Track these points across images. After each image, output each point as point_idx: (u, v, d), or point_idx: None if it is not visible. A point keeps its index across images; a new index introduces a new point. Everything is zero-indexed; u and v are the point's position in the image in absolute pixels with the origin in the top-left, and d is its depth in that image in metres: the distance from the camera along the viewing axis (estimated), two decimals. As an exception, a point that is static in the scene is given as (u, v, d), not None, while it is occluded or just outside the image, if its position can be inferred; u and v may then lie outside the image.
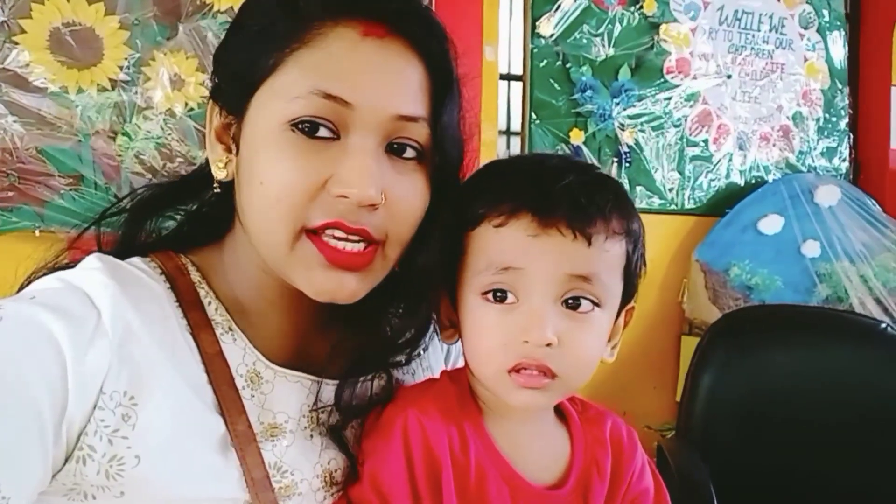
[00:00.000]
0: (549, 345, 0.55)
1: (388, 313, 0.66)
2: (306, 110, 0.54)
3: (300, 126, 0.54)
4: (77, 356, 0.51)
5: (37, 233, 1.50)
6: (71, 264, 0.59)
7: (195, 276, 0.62)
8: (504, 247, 0.56)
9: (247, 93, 0.57)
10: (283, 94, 0.55)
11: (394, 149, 0.57)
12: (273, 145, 0.55)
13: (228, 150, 0.60)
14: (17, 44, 1.48)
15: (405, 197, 0.57)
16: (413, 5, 0.58)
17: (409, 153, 0.58)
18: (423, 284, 0.63)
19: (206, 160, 0.62)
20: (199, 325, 0.58)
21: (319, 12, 0.55)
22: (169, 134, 1.60)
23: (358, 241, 0.56)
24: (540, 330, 0.55)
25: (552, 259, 0.56)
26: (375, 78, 0.55)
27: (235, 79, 0.58)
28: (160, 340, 0.55)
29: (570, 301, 0.57)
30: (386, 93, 0.55)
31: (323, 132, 0.55)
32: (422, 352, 0.69)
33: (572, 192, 0.56)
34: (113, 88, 1.56)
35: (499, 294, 0.57)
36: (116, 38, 1.55)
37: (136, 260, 0.61)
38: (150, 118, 1.59)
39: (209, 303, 0.61)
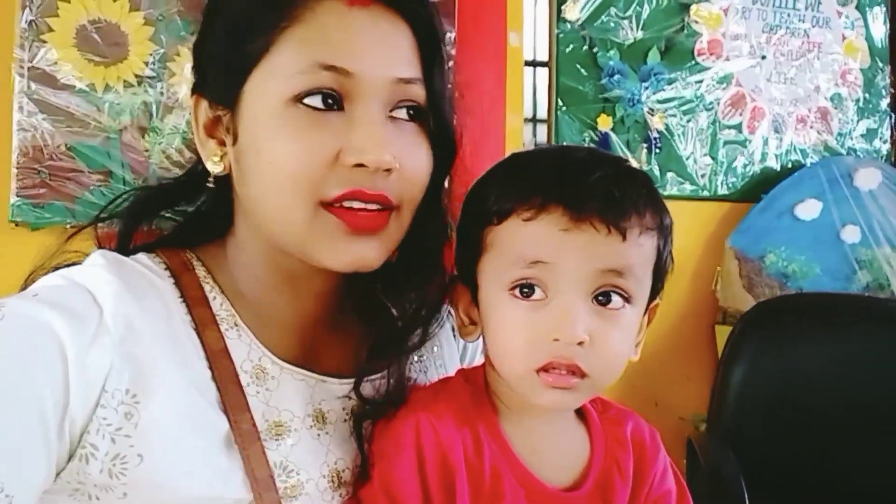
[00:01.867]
0: (580, 343, 0.54)
1: (401, 303, 0.65)
2: (309, 83, 0.55)
3: (304, 100, 0.55)
4: (79, 354, 0.51)
5: (68, 228, 1.52)
6: (76, 261, 0.59)
7: (200, 271, 0.62)
8: (534, 241, 0.55)
9: (239, 80, 0.57)
10: (280, 73, 0.55)
11: (395, 112, 0.59)
12: (278, 125, 0.55)
13: (222, 144, 0.60)
14: (44, 42, 1.51)
15: (413, 159, 0.59)
16: None
17: (409, 114, 0.59)
18: (432, 257, 0.63)
19: (197, 160, 0.62)
20: (204, 322, 0.58)
21: None
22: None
23: (376, 205, 0.57)
24: (571, 328, 0.54)
25: (584, 254, 0.54)
26: (370, 45, 0.56)
27: (224, 68, 0.58)
28: (163, 337, 0.55)
29: (601, 297, 0.56)
30: (383, 58, 0.57)
31: (328, 104, 0.56)
32: (435, 348, 0.69)
33: (605, 186, 0.55)
34: (139, 84, 1.57)
35: (526, 289, 0.56)
36: (141, 33, 1.57)
37: (141, 256, 0.61)
38: (176, 113, 1.61)
39: (214, 298, 0.60)
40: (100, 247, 0.63)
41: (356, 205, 0.56)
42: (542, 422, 0.61)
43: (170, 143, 1.60)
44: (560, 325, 0.54)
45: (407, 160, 0.58)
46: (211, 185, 0.62)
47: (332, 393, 0.62)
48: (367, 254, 0.57)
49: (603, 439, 0.62)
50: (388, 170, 0.56)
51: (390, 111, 0.58)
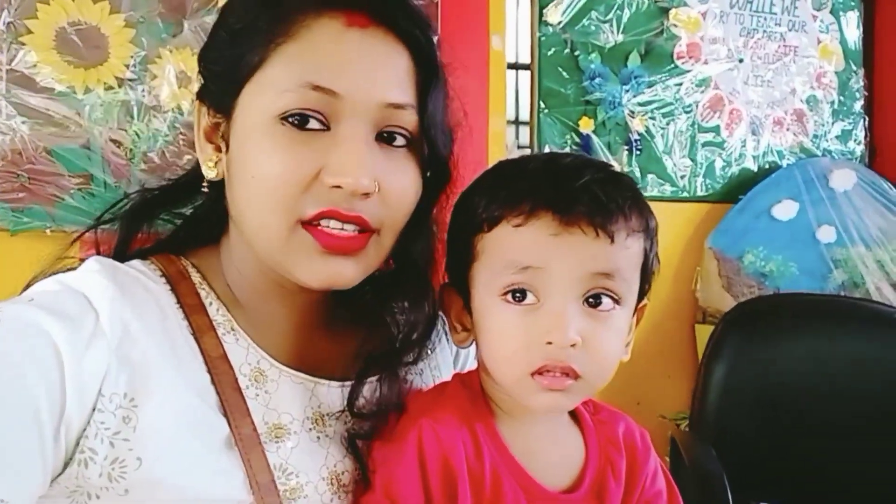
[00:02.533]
0: (573, 345, 0.55)
1: (392, 311, 0.66)
2: (295, 103, 0.55)
3: (290, 119, 0.55)
4: (75, 358, 0.51)
5: (48, 232, 1.51)
6: (72, 267, 0.59)
7: (196, 277, 0.62)
8: (524, 246, 0.56)
9: (234, 90, 0.57)
10: (271, 89, 0.55)
11: (384, 137, 0.58)
12: (264, 139, 0.55)
13: (218, 150, 0.60)
14: (23, 44, 1.48)
15: (397, 184, 0.58)
16: None
17: (399, 141, 0.59)
18: (423, 277, 0.63)
19: (197, 162, 0.62)
20: (202, 329, 0.58)
21: (302, 5, 0.56)
22: (177, 131, 1.60)
23: (353, 227, 0.56)
24: (564, 331, 0.55)
25: (574, 258, 0.55)
26: (362, 67, 0.56)
27: (222, 77, 0.59)
28: (159, 342, 0.55)
29: (592, 299, 0.57)
30: (373, 81, 0.56)
31: (313, 124, 0.55)
32: (429, 352, 0.69)
33: (592, 190, 0.56)
34: (120, 87, 1.55)
35: (518, 294, 0.57)
36: (122, 36, 1.55)
37: (135, 262, 0.61)
38: (157, 116, 1.59)
39: (210, 304, 0.61)
40: (98, 252, 0.63)
41: (332, 224, 0.56)
42: (538, 424, 0.61)
43: (151, 146, 1.58)
44: (552, 329, 0.55)
45: (391, 185, 0.57)
46: (205, 190, 0.62)
47: (330, 395, 0.62)
48: (342, 273, 0.57)
49: (597, 441, 0.63)
50: (366, 193, 0.55)
51: (381, 134, 0.58)
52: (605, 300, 0.57)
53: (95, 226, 0.65)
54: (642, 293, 0.62)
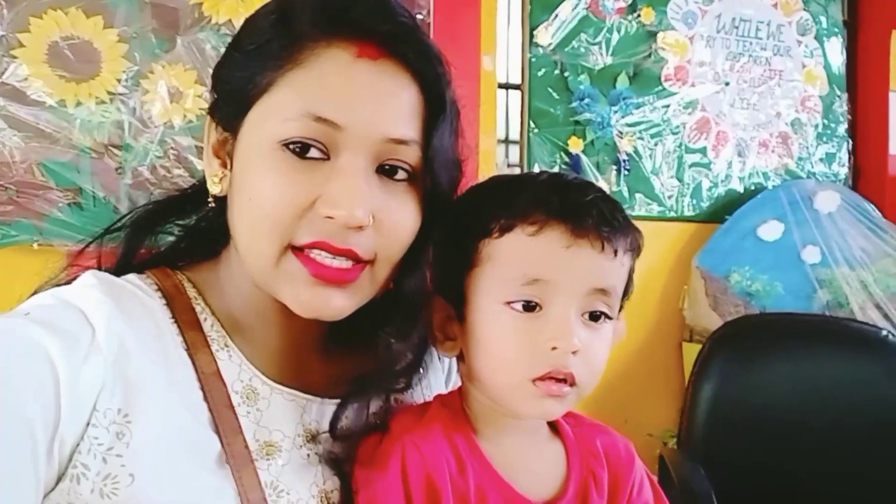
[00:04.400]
0: (574, 352, 0.56)
1: (385, 334, 0.65)
2: (297, 132, 0.54)
3: (291, 146, 0.55)
4: (71, 373, 0.50)
5: (35, 246, 1.50)
6: (68, 281, 0.59)
7: (191, 292, 0.62)
8: (538, 256, 0.56)
9: (241, 110, 0.57)
10: (275, 114, 0.55)
11: (385, 170, 0.57)
12: (264, 163, 0.55)
13: (224, 166, 0.60)
14: (15, 58, 1.49)
15: (395, 218, 0.57)
16: (407, 27, 0.58)
17: (401, 175, 0.58)
18: (415, 307, 0.62)
19: (204, 175, 0.63)
20: (196, 345, 0.58)
21: (314, 32, 0.55)
22: (168, 146, 1.60)
23: (345, 259, 0.56)
24: (569, 337, 0.56)
25: (581, 271, 0.57)
26: (367, 100, 0.55)
27: (231, 96, 0.58)
28: (155, 358, 0.55)
29: (589, 314, 0.58)
30: (377, 115, 0.55)
31: (314, 153, 0.55)
32: (421, 371, 0.69)
33: (599, 205, 0.58)
34: (111, 101, 1.56)
35: (528, 304, 0.57)
36: (115, 51, 1.56)
37: (132, 277, 0.61)
38: (148, 131, 1.59)
39: (205, 319, 0.60)
40: (99, 266, 0.62)
41: (323, 255, 0.55)
42: (520, 438, 0.62)
43: (141, 160, 1.58)
44: (558, 334, 0.56)
45: (388, 218, 0.57)
46: (211, 203, 0.62)
47: (322, 413, 0.62)
48: (330, 303, 0.57)
49: (578, 452, 0.63)
50: (360, 226, 0.55)
51: (382, 167, 0.57)
52: (601, 317, 0.59)
53: (101, 237, 0.64)
54: (619, 309, 0.63)
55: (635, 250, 0.61)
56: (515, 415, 0.60)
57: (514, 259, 0.57)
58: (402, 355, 0.64)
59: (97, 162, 1.56)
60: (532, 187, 0.60)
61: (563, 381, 0.57)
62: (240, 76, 0.58)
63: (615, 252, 0.57)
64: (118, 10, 1.55)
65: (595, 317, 0.58)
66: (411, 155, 0.57)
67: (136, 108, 1.57)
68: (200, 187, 0.64)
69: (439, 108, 0.58)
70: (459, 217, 0.61)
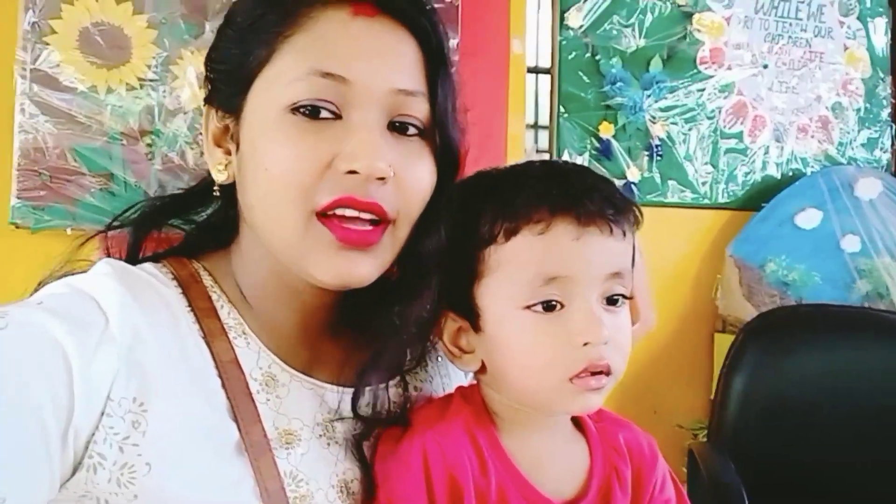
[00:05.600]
0: (606, 343, 0.56)
1: (391, 317, 0.64)
2: (306, 93, 0.55)
3: (301, 109, 0.55)
4: (83, 362, 0.50)
5: (69, 231, 1.52)
6: (82, 270, 0.59)
7: (207, 280, 0.61)
8: (550, 254, 0.56)
9: (243, 87, 0.57)
10: (280, 81, 0.55)
11: (395, 127, 0.58)
12: (275, 132, 0.55)
13: (227, 153, 0.60)
14: (47, 44, 1.51)
15: (412, 172, 0.58)
16: None
17: (412, 130, 0.58)
18: (428, 273, 0.61)
19: (207, 173, 0.62)
20: (214, 333, 0.58)
21: None
22: (197, 132, 1.61)
23: (367, 221, 0.56)
24: (598, 329, 0.55)
25: (595, 259, 0.56)
26: (370, 54, 0.56)
27: (230, 76, 0.58)
28: (170, 346, 0.55)
29: (608, 300, 0.58)
30: (382, 68, 0.56)
31: (324, 114, 0.55)
32: (439, 358, 0.68)
33: (599, 189, 0.57)
34: (141, 87, 1.57)
35: (546, 304, 0.56)
36: (144, 37, 1.57)
37: (147, 265, 0.61)
38: (178, 116, 1.60)
39: (222, 307, 0.60)
40: (107, 255, 0.63)
41: (348, 213, 0.55)
42: (543, 436, 0.61)
43: (171, 146, 1.60)
44: (587, 329, 0.55)
45: (406, 172, 0.57)
46: (216, 194, 0.62)
47: (338, 401, 0.61)
48: (357, 269, 0.57)
49: (601, 449, 0.62)
50: (381, 178, 0.55)
51: (392, 124, 0.57)
52: (619, 299, 0.58)
53: (106, 230, 0.65)
54: None
55: (637, 224, 0.60)
56: (551, 413, 0.59)
57: (525, 262, 0.56)
58: (412, 318, 0.62)
59: (128, 148, 1.57)
60: (528, 183, 0.58)
61: (600, 372, 0.56)
62: (237, 53, 0.58)
63: (623, 233, 0.57)
64: (147, -4, 1.56)
65: (613, 301, 0.58)
66: (420, 108, 0.58)
67: (165, 93, 1.59)
68: (203, 184, 0.65)
69: (440, 60, 0.59)
70: (457, 227, 0.60)
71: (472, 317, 0.59)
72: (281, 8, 0.56)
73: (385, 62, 0.56)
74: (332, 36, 0.56)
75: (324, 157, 0.54)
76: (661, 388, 1.97)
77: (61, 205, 1.53)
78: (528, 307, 0.56)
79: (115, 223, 0.65)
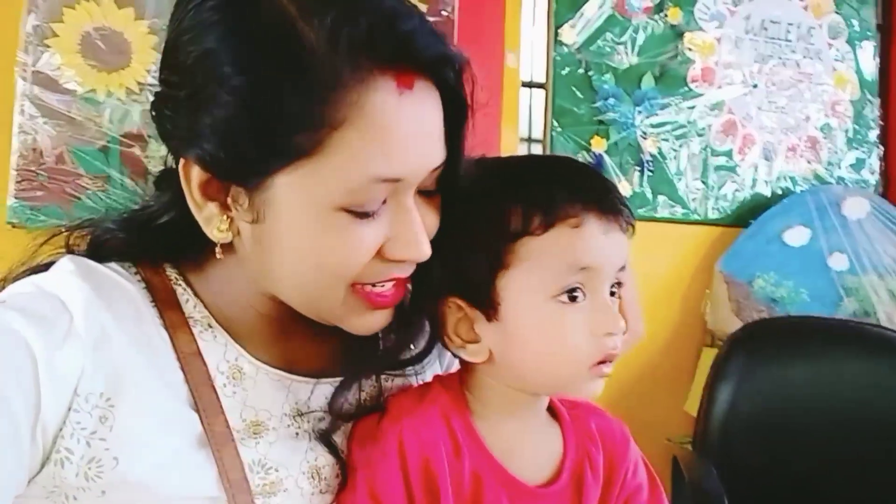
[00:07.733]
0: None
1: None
2: (363, 200, 0.53)
3: (352, 210, 0.53)
4: (48, 359, 0.50)
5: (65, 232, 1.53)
6: (46, 266, 0.58)
7: (172, 273, 0.61)
8: (584, 246, 0.58)
9: (273, 166, 0.52)
10: (331, 179, 0.51)
11: (423, 191, 0.58)
12: (318, 224, 0.53)
13: (224, 208, 0.55)
14: (49, 47, 1.53)
15: (432, 228, 0.59)
16: (430, 38, 0.53)
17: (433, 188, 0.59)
18: (421, 298, 0.63)
19: (155, 194, 0.61)
20: (176, 325, 0.58)
21: (350, 67, 0.50)
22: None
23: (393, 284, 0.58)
24: (618, 320, 0.59)
25: (615, 253, 0.59)
26: (419, 141, 0.54)
27: (248, 158, 0.52)
28: (136, 341, 0.55)
29: (612, 291, 0.61)
30: (428, 154, 0.55)
31: (373, 206, 0.54)
32: (435, 350, 0.69)
33: (614, 188, 0.61)
34: (140, 92, 1.60)
35: (574, 293, 0.58)
36: (145, 42, 1.59)
37: (112, 263, 0.60)
38: (175, 121, 1.62)
39: (187, 300, 0.60)
40: (69, 252, 0.61)
41: (387, 286, 0.58)
42: (517, 421, 0.62)
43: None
44: (609, 319, 0.58)
45: (430, 233, 0.58)
46: (219, 256, 0.58)
47: (307, 392, 0.62)
48: (381, 321, 0.60)
49: (574, 435, 0.64)
50: None
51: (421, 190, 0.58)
52: (616, 291, 0.61)
53: (72, 229, 0.62)
54: None
55: (631, 226, 0.63)
56: (563, 396, 0.63)
57: (560, 252, 0.57)
58: (406, 345, 0.65)
59: (125, 151, 1.59)
60: (559, 179, 0.60)
61: (609, 359, 0.59)
62: (264, 126, 0.51)
63: (632, 228, 0.61)
64: (149, 2, 1.59)
65: (612, 292, 0.61)
66: (440, 170, 0.58)
67: (164, 99, 1.60)
68: (162, 205, 0.61)
69: (460, 110, 0.57)
70: (479, 219, 0.60)
71: (488, 306, 0.59)
72: (324, 96, 0.49)
73: (430, 147, 0.55)
74: (386, 129, 0.51)
75: (373, 246, 0.55)
76: (650, 402, 1.98)
77: (58, 205, 1.55)
78: (555, 297, 0.58)
79: (75, 226, 0.62)
